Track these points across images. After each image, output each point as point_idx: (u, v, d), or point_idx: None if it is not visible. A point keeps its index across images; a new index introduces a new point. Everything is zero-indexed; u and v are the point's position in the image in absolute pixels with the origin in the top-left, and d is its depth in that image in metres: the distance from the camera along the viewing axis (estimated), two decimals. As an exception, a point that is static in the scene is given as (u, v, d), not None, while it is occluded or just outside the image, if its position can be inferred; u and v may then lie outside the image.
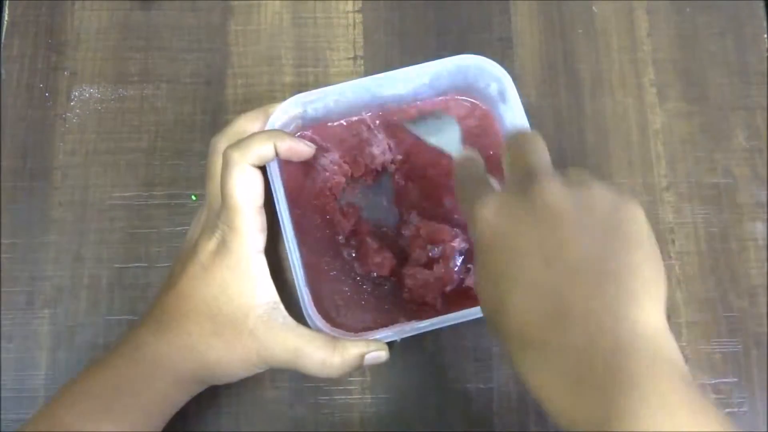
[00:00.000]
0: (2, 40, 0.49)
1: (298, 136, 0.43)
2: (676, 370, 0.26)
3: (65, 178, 0.47)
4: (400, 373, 0.44)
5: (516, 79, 0.49)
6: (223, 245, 0.37)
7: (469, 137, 0.45)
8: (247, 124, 0.41)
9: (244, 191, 0.36)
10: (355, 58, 0.50)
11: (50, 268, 0.45)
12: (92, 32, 0.49)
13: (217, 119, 0.48)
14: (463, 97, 0.45)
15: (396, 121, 0.44)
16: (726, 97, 0.50)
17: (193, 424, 0.43)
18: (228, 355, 0.37)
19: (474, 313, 0.38)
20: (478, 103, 0.45)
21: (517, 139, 0.34)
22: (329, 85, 0.48)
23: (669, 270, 0.47)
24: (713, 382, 0.45)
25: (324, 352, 0.37)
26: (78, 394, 0.36)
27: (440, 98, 0.45)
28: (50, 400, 0.36)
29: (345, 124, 0.44)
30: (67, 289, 0.45)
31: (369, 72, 0.49)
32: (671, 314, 0.46)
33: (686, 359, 0.45)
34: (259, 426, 0.43)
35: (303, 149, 0.39)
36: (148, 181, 0.47)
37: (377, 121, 0.45)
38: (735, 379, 0.45)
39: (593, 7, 0.51)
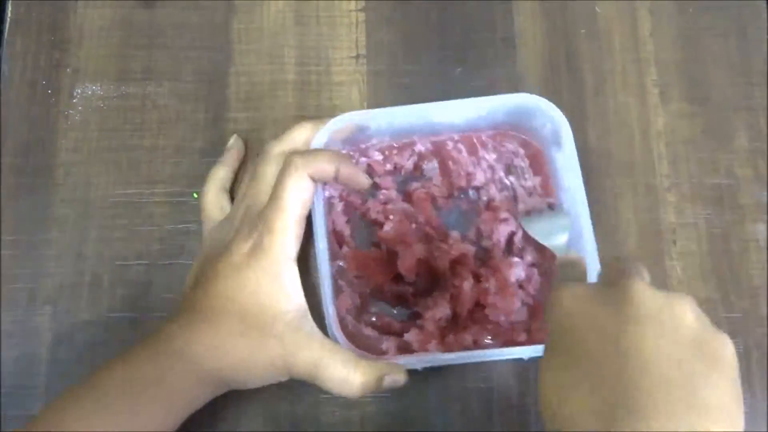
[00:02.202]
0: (5, 38, 0.49)
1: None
2: None
3: (67, 175, 0.47)
4: (400, 372, 0.44)
5: (518, 79, 0.49)
6: (258, 247, 0.37)
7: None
8: (303, 133, 0.42)
9: (296, 196, 0.37)
10: (357, 56, 0.50)
11: (52, 266, 0.45)
12: (95, 30, 0.49)
13: (219, 117, 0.48)
14: (516, 133, 0.45)
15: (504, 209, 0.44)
16: (729, 97, 0.50)
17: (192, 423, 0.43)
18: (252, 358, 0.37)
19: (506, 353, 0.39)
20: (531, 141, 0.45)
21: (612, 261, 0.34)
22: (331, 84, 0.49)
23: (670, 271, 0.47)
24: (714, 383, 0.45)
25: (346, 369, 0.36)
26: (98, 386, 0.36)
27: (493, 132, 0.45)
28: (70, 390, 0.36)
29: (396, 146, 0.45)
30: (68, 286, 0.45)
31: (371, 71, 0.49)
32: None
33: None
34: (259, 425, 0.43)
35: (362, 180, 0.40)
36: (150, 179, 0.47)
37: (428, 146, 0.45)
38: (736, 380, 0.45)
39: (596, 7, 0.51)
